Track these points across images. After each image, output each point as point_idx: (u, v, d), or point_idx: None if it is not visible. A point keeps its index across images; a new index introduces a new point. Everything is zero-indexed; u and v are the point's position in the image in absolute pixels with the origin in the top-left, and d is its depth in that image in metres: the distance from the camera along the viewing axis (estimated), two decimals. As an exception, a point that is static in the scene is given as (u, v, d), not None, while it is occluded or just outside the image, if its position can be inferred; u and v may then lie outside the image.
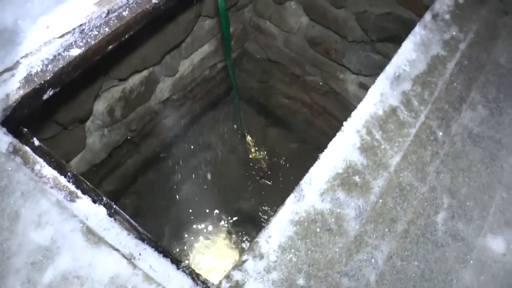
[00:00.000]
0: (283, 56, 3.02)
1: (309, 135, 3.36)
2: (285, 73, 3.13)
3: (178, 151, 3.15)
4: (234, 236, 3.08)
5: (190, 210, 3.10)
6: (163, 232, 3.02)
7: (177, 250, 2.97)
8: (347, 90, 2.81)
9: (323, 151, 1.26)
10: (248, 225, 3.13)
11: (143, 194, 3.01)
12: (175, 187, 3.13)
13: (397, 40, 2.29)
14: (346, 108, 2.88)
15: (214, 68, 2.96)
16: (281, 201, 1.16)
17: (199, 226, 3.07)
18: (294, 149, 3.40)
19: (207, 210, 3.11)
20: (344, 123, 1.31)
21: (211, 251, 3.01)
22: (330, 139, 1.29)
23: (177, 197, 3.11)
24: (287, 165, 3.34)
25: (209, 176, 3.22)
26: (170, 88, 2.63)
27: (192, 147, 3.24)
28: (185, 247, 3.01)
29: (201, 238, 3.05)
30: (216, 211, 3.12)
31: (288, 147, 3.42)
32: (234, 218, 3.14)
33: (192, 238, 3.03)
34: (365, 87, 2.72)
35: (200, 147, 3.28)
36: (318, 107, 3.16)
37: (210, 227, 3.08)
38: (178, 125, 3.04)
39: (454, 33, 1.61)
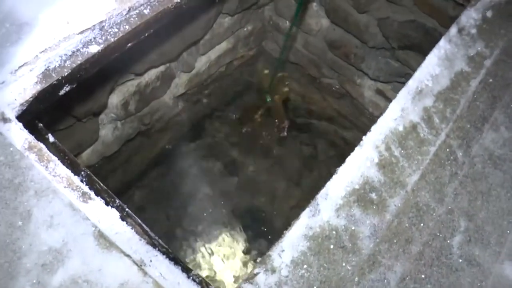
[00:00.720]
0: (301, 57, 2.99)
1: (321, 135, 3.34)
2: (302, 74, 3.09)
3: (190, 145, 3.14)
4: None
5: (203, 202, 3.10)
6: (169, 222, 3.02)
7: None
8: (363, 96, 2.77)
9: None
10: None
11: (154, 187, 3.01)
12: (186, 182, 3.13)
13: (419, 49, 2.26)
14: (361, 113, 2.84)
15: (231, 65, 2.94)
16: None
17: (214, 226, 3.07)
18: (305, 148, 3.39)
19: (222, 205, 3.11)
20: (363, 137, 1.29)
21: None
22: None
23: (187, 191, 3.11)
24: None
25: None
26: (186, 84, 2.61)
27: (203, 141, 3.23)
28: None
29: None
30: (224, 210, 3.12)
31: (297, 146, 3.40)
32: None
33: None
34: (382, 94, 2.68)
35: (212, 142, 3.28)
36: (332, 110, 3.12)
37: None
38: (191, 119, 3.02)
39: (479, 48, 1.56)
